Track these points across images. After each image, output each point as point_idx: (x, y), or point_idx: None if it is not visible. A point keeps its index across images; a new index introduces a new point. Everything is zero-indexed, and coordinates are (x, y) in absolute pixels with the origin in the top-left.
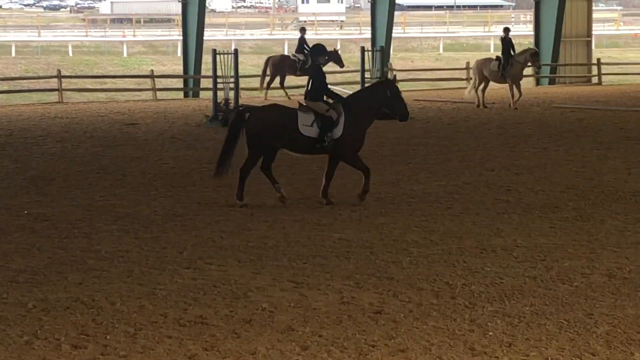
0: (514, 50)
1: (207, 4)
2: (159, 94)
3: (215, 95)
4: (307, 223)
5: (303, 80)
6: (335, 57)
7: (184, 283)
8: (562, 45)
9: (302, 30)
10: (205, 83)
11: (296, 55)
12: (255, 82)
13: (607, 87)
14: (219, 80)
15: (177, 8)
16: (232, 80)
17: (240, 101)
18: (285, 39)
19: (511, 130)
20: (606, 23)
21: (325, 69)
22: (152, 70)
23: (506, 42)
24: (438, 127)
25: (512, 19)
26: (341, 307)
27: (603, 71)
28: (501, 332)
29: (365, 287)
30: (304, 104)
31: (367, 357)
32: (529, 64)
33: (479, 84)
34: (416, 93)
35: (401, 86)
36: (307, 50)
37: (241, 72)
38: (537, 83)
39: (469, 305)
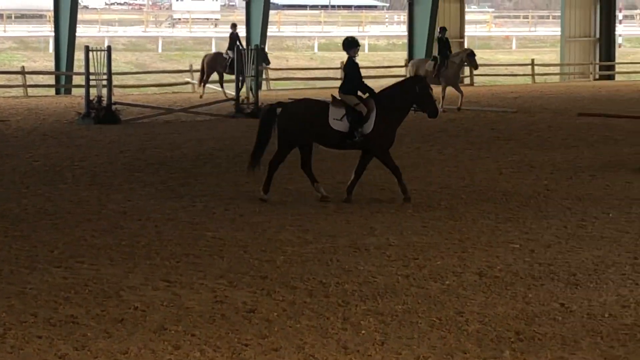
0: (450, 51)
1: (79, 0)
2: (30, 91)
3: (87, 92)
4: (181, 222)
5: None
6: (262, 56)
7: (55, 282)
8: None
9: (233, 26)
10: (78, 80)
11: (228, 52)
12: (129, 80)
13: (479, 88)
14: (91, 77)
15: (49, 4)
16: (104, 77)
17: (114, 98)
18: (160, 36)
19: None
20: (478, 25)
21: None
22: (23, 67)
23: (442, 42)
24: None
25: (386, 20)
26: (214, 306)
27: (475, 72)
28: (374, 331)
29: (238, 286)
30: (338, 98)
31: (240, 356)
32: (466, 64)
33: None
34: (291, 92)
35: (276, 85)
36: (240, 47)
37: (114, 69)
38: None
39: (342, 303)
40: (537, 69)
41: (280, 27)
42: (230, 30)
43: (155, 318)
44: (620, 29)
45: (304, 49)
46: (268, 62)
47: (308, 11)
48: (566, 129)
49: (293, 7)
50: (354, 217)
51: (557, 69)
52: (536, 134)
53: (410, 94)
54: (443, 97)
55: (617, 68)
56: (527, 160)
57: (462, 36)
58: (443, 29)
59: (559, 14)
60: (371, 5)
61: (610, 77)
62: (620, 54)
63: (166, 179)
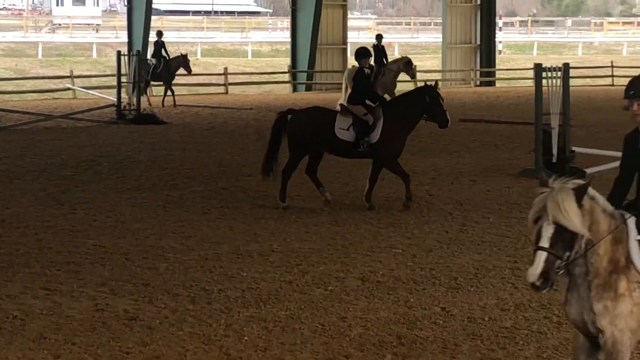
0: (386, 59)
1: None
2: None
3: None
4: (61, 229)
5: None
6: (184, 62)
7: None
8: (318, 52)
9: (159, 33)
10: None
11: (152, 60)
12: (8, 86)
13: None
14: None
15: None
16: None
17: None
18: (40, 42)
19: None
20: (361, 31)
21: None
22: None
23: (378, 49)
24: (196, 132)
25: (270, 26)
26: (95, 314)
27: None
28: (256, 337)
29: (120, 294)
30: (346, 107)
31: None
32: (403, 72)
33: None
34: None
35: (158, 91)
36: (164, 54)
37: None
38: (294, 89)
39: (225, 310)
40: (419, 75)
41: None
42: (156, 38)
43: (35, 327)
44: (500, 36)
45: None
46: (190, 71)
47: (191, 17)
48: (448, 135)
49: (175, 13)
50: (237, 223)
51: (439, 75)
52: (418, 139)
53: (419, 103)
54: None
55: (497, 74)
56: (410, 166)
57: (344, 42)
58: (379, 36)
59: (441, 21)
60: (254, 12)
61: (491, 83)
62: (500, 61)
63: (46, 186)
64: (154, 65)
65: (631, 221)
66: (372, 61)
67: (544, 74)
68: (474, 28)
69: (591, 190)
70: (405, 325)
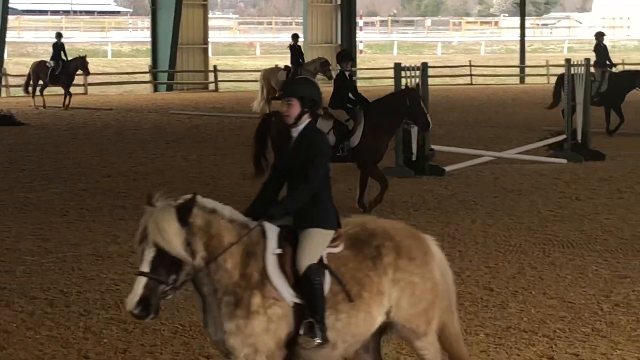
0: (303, 60)
1: None
2: None
3: None
4: None
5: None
6: (82, 64)
7: None
8: (178, 52)
9: (58, 35)
10: None
11: (51, 62)
12: None
13: (224, 94)
14: None
15: None
16: None
17: None
18: None
19: (129, 137)
20: (222, 30)
21: None
22: None
23: (295, 50)
24: (54, 133)
25: (130, 26)
26: None
27: (219, 78)
28: (116, 339)
29: None
30: (328, 111)
31: None
32: (320, 73)
33: (268, 95)
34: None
35: (16, 92)
36: (63, 57)
37: None
38: (155, 89)
39: (84, 313)
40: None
41: (20, 32)
42: (55, 40)
43: None
44: (361, 36)
45: (44, 55)
46: (88, 72)
47: (49, 16)
48: None
49: (33, 12)
50: (96, 225)
51: None
52: None
53: (401, 106)
54: None
55: (358, 74)
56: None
57: (205, 42)
58: (295, 36)
59: (302, 21)
60: (114, 11)
61: None
62: (361, 60)
63: None
64: (52, 67)
65: (272, 233)
66: (289, 62)
67: (403, 74)
68: (334, 28)
69: (209, 203)
70: None
